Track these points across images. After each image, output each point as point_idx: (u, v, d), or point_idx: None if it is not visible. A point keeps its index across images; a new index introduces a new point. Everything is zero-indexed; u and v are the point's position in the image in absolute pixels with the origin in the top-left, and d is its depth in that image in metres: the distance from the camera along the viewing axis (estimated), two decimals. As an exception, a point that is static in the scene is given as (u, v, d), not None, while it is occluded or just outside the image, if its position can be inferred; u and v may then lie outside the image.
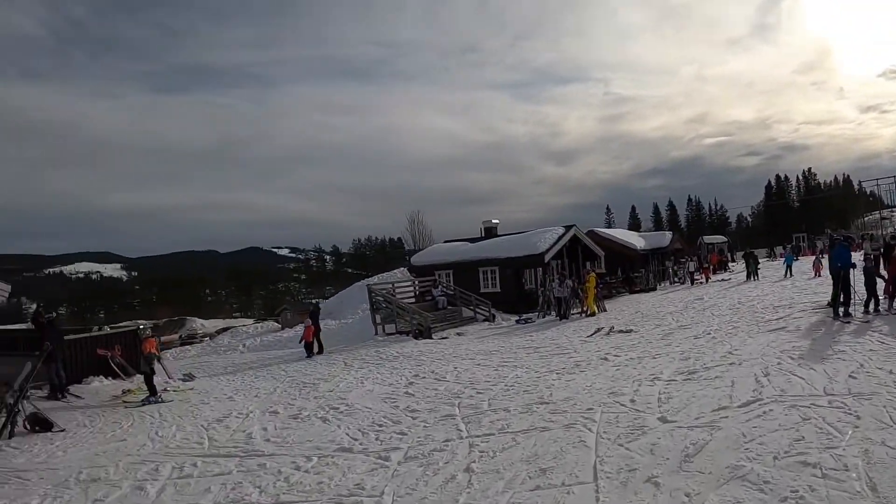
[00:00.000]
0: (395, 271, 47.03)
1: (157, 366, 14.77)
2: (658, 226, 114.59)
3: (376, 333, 25.02)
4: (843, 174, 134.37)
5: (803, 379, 8.63)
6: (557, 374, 11.89)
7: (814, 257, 30.84)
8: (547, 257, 28.64)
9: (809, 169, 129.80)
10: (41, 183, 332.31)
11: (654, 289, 34.23)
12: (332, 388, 13.51)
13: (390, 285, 28.66)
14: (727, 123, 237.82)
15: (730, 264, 48.54)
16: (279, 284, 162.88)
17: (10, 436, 10.86)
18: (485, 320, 26.29)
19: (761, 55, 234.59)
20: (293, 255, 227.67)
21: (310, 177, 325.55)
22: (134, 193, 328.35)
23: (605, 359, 12.92)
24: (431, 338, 21.99)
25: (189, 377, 18.03)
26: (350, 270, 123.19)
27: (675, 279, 37.97)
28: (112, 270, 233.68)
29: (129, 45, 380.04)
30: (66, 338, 16.36)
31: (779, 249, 55.42)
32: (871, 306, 13.95)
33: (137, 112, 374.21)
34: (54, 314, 18.00)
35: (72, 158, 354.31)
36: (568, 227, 31.23)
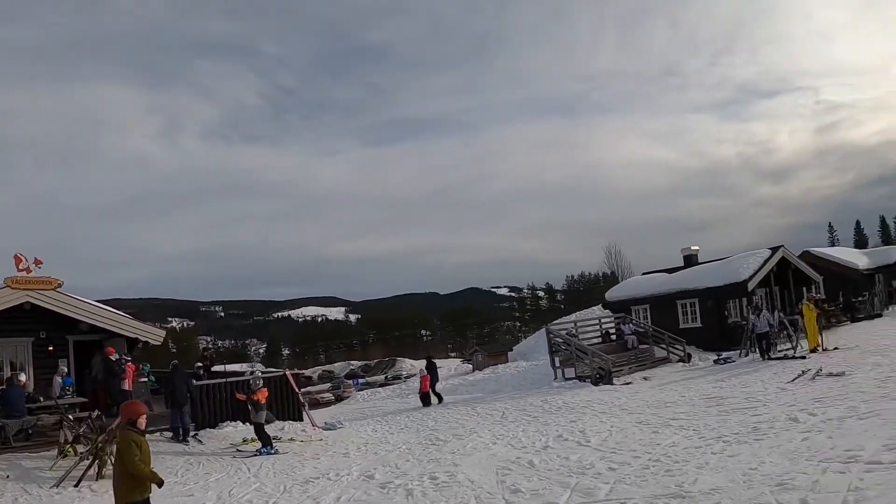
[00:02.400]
0: (593, 308, 45.35)
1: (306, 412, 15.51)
2: (887, 240, 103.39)
3: (555, 378, 23.52)
4: None
5: None
6: (725, 441, 9.63)
7: None
8: (751, 285, 25.61)
9: None
10: (271, 235, 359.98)
11: (881, 315, 30.20)
12: (459, 447, 12.56)
13: (572, 324, 27.00)
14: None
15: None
16: (500, 323, 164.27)
17: (98, 477, 11.12)
18: (679, 360, 23.93)
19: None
20: (511, 294, 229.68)
21: (525, 215, 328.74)
22: (357, 241, 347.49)
23: (796, 419, 10.35)
24: (612, 383, 20.15)
25: (332, 426, 17.97)
26: (563, 307, 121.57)
27: (911, 300, 33.31)
28: (336, 313, 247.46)
29: (339, 105, 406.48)
30: (202, 382, 17.46)
31: None
32: None
33: (355, 166, 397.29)
34: (212, 354, 18.72)
35: (298, 212, 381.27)
36: (774, 249, 27.95)
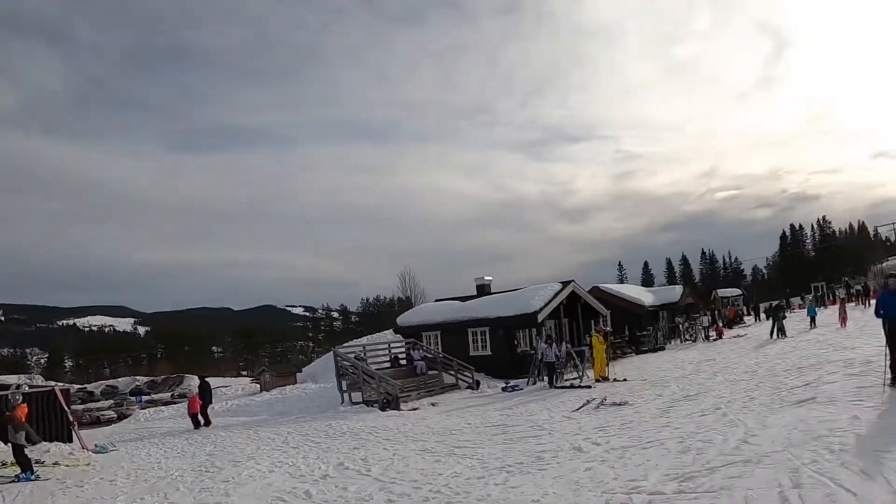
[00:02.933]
0: (385, 332, 44.23)
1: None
2: (671, 281, 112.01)
3: (342, 402, 22.48)
4: (858, 221, 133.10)
5: (855, 495, 5.68)
6: (508, 472, 8.94)
7: (839, 307, 28.70)
8: (541, 316, 25.63)
9: (824, 217, 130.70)
10: (57, 236, 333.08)
11: (663, 348, 31.22)
12: (234, 475, 11.29)
13: (361, 347, 25.80)
14: (738, 177, 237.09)
15: (745, 318, 45.73)
16: (293, 343, 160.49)
17: None
18: (468, 387, 23.30)
19: (769, 107, 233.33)
20: (306, 313, 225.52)
21: (328, 236, 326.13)
22: (151, 249, 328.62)
23: (580, 448, 9.84)
24: (399, 409, 19.24)
25: (103, 448, 16.36)
26: (357, 330, 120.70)
27: (687, 337, 34.69)
28: (125, 325, 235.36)
29: (150, 104, 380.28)
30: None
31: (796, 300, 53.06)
32: None
33: (158, 170, 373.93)
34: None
35: (91, 214, 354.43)
36: (565, 283, 28.33)
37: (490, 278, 32.88)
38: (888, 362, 10.90)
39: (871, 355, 13.98)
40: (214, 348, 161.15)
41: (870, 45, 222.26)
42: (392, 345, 27.09)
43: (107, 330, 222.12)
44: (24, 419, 12.93)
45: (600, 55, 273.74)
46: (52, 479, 12.42)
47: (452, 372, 24.47)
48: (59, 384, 19.84)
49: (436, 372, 24.69)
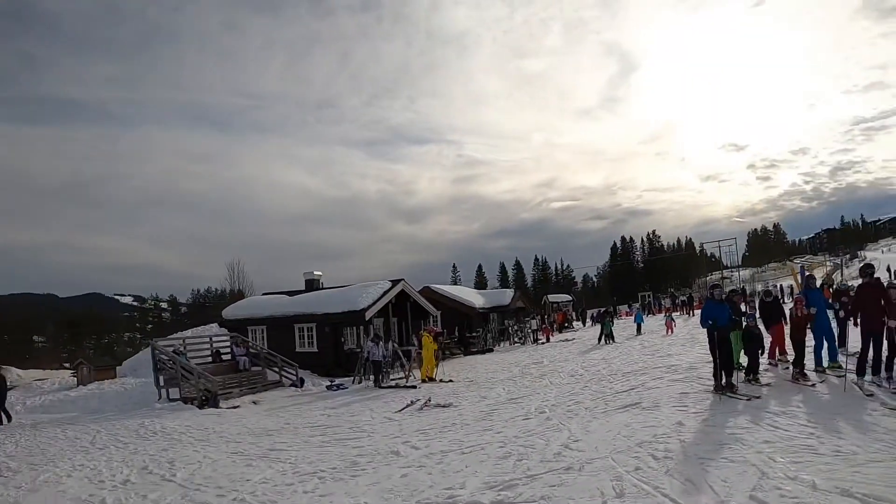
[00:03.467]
0: (212, 325, 41.98)
1: None
2: (504, 284, 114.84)
3: (158, 399, 21.09)
4: (686, 237, 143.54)
5: (679, 505, 5.62)
6: (321, 478, 8.56)
7: (664, 315, 30.07)
8: (369, 314, 25.15)
9: (654, 231, 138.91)
10: None
11: (492, 350, 31.29)
12: (28, 481, 10.27)
13: (180, 341, 24.23)
14: (575, 189, 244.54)
15: (574, 323, 46.99)
16: (121, 334, 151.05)
17: None
18: (292, 385, 22.55)
19: (609, 125, 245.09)
20: (135, 303, 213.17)
21: (161, 222, 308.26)
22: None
23: (398, 452, 9.59)
24: (218, 406, 18.36)
25: None
26: (188, 321, 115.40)
27: (516, 339, 35.00)
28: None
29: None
30: None
31: (623, 308, 55.26)
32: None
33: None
34: None
35: None
36: (395, 282, 27.93)
37: (320, 273, 32.32)
38: (714, 370, 11.09)
39: (695, 362, 14.42)
40: (36, 338, 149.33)
41: (705, 80, 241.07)
42: (214, 339, 25.70)
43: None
44: None
45: (452, 62, 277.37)
46: None
47: (276, 369, 23.69)
48: None
49: (259, 368, 23.71)
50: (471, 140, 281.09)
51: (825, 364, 11.42)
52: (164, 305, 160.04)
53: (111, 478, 9.86)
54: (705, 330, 11.25)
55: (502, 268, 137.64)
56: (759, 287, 50.83)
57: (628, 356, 19.08)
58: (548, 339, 33.41)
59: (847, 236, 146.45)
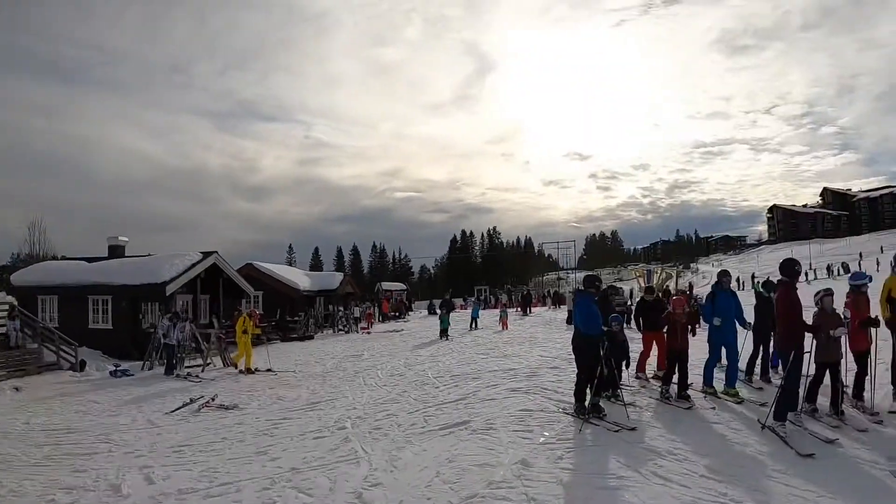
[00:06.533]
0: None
1: None
2: (340, 269, 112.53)
3: None
4: (525, 237, 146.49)
5: None
6: None
7: (500, 310, 29.48)
8: (171, 288, 22.35)
9: (494, 228, 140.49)
10: None
11: (312, 337, 29.16)
12: None
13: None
14: (419, 180, 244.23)
15: (408, 314, 45.70)
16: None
17: None
18: (70, 368, 19.27)
19: (459, 122, 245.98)
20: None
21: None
22: None
23: (118, 489, 7.10)
24: None
25: None
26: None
27: (340, 327, 33.10)
28: None
29: None
30: None
31: (458, 301, 54.57)
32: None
33: None
34: None
35: None
36: (207, 254, 25.12)
37: (126, 239, 28.64)
38: (579, 387, 8.79)
39: (536, 367, 12.85)
40: None
41: (558, 89, 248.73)
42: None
43: None
44: None
45: (310, 41, 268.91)
46: None
47: (54, 347, 20.05)
48: None
49: (37, 346, 20.16)
50: (320, 122, 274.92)
51: (721, 386, 9.37)
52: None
53: None
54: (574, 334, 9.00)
55: (339, 252, 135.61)
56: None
57: (460, 354, 17.34)
58: (370, 326, 32.33)
59: (681, 249, 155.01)
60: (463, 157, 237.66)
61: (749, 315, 9.77)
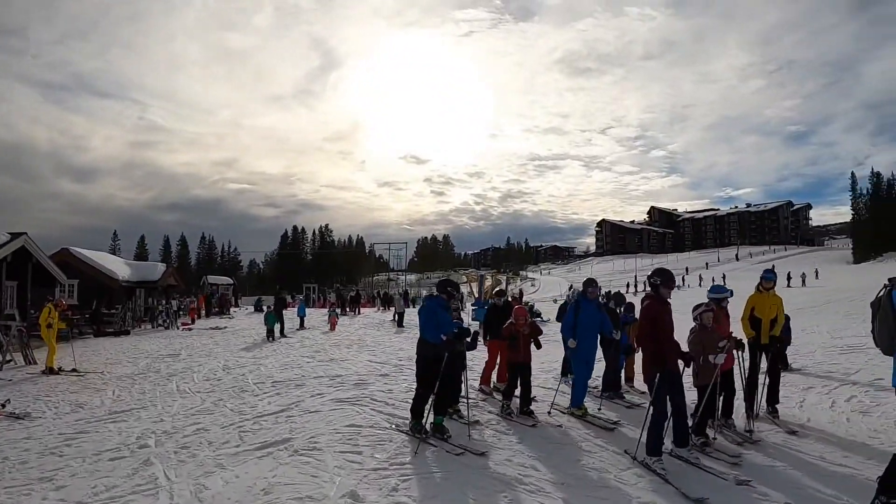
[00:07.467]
0: None
1: None
2: (167, 260, 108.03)
3: None
4: (357, 236, 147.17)
5: None
6: None
7: (328, 310, 29.92)
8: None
9: (326, 225, 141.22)
10: None
11: (129, 332, 27.55)
12: None
13: None
14: (253, 173, 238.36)
15: (233, 309, 44.45)
16: None
17: None
18: None
19: (298, 117, 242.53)
20: None
21: None
22: None
23: None
24: None
25: None
26: None
27: (159, 322, 31.53)
28: None
29: None
30: None
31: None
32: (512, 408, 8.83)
33: None
34: None
35: None
36: (15, 235, 22.98)
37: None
38: (418, 402, 7.91)
39: (364, 374, 12.49)
40: None
41: (399, 92, 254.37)
42: None
43: None
44: None
45: (156, 18, 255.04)
46: None
47: None
48: None
49: None
50: (156, 104, 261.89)
51: (573, 405, 8.75)
52: None
53: None
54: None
55: (167, 242, 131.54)
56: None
57: (284, 356, 16.73)
58: (193, 322, 31.64)
59: (511, 256, 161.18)
60: (299, 153, 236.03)
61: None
